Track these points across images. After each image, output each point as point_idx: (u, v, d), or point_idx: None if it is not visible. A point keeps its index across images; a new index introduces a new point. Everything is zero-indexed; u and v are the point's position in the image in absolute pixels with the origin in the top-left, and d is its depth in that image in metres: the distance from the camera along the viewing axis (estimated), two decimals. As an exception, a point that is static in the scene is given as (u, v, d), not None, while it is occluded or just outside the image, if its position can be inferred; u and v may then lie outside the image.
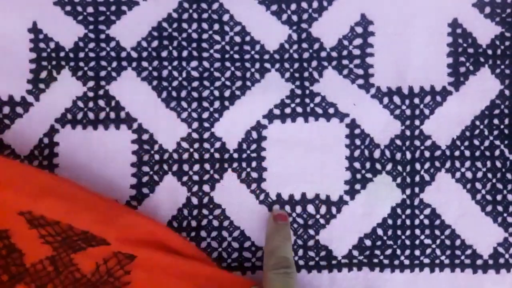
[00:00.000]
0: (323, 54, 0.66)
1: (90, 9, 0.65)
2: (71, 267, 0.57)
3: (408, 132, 0.65)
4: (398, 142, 0.65)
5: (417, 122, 0.65)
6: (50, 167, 0.64)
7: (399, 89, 0.65)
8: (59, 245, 0.58)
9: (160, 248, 0.59)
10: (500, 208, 0.66)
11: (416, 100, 0.65)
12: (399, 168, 0.65)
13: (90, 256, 0.58)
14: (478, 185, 0.66)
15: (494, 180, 0.66)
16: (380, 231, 0.65)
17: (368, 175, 0.65)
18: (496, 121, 0.66)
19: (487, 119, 0.66)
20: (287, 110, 0.65)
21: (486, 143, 0.66)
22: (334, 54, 0.66)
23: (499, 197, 0.66)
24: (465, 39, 0.66)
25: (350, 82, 0.66)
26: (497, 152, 0.66)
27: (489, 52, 0.67)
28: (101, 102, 0.65)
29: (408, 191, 0.65)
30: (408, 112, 0.65)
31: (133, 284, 0.58)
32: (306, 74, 0.65)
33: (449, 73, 0.66)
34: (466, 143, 0.66)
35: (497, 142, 0.66)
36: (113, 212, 0.59)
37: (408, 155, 0.65)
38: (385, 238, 0.65)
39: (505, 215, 0.65)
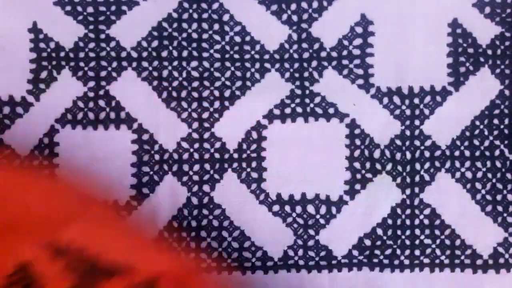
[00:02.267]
0: (323, 54, 0.66)
1: (90, 9, 0.65)
2: None
3: (408, 132, 0.65)
4: (398, 142, 0.65)
5: (417, 122, 0.65)
6: (50, 167, 0.64)
7: (399, 89, 0.65)
8: (84, 273, 0.55)
9: None
10: (500, 208, 0.66)
11: (416, 100, 0.65)
12: (399, 168, 0.65)
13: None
14: (478, 185, 0.66)
15: (494, 180, 0.66)
16: (380, 231, 0.65)
17: (368, 175, 0.65)
18: (496, 121, 0.66)
19: (487, 119, 0.66)
20: (287, 110, 0.65)
21: (486, 143, 0.66)
22: (334, 54, 0.66)
23: (499, 197, 0.66)
24: (465, 39, 0.66)
25: (350, 82, 0.65)
26: (497, 152, 0.66)
27: (489, 52, 0.66)
28: (102, 102, 0.65)
29: (408, 191, 0.65)
30: (408, 112, 0.65)
31: None
32: (306, 74, 0.65)
33: (449, 73, 0.66)
34: (466, 143, 0.66)
35: (497, 142, 0.66)
36: (140, 243, 0.58)
37: (408, 155, 0.65)
38: (385, 238, 0.65)
39: (505, 215, 0.66)
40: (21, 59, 0.65)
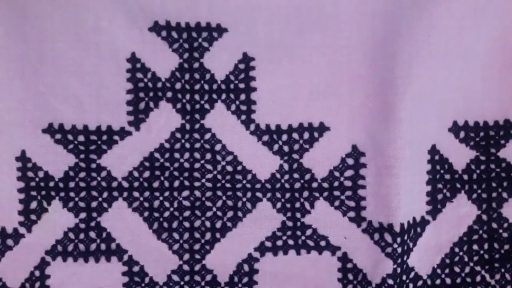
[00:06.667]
0: (315, 184, 0.66)
1: (81, 138, 0.64)
2: None
3: (399, 270, 0.65)
4: (390, 281, 0.65)
5: (404, 257, 0.66)
6: (41, 300, 0.63)
7: (391, 226, 0.65)
8: None
9: None
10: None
11: (405, 236, 0.65)
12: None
13: None
14: (461, 314, 0.67)
15: (477, 307, 0.67)
16: None
17: (361, 311, 0.65)
18: (475, 247, 0.67)
19: (466, 245, 0.67)
20: (279, 243, 0.65)
21: (467, 269, 0.67)
22: (325, 185, 0.66)
23: (482, 327, 0.67)
24: (442, 166, 0.67)
25: (342, 214, 0.66)
26: (478, 278, 0.67)
27: (465, 177, 0.68)
28: (92, 234, 0.64)
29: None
30: (399, 250, 0.65)
31: None
32: (297, 204, 0.66)
33: (427, 202, 0.67)
34: (447, 271, 0.67)
35: (478, 268, 0.67)
36: None
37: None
38: None
39: None
40: (8, 188, 0.63)
